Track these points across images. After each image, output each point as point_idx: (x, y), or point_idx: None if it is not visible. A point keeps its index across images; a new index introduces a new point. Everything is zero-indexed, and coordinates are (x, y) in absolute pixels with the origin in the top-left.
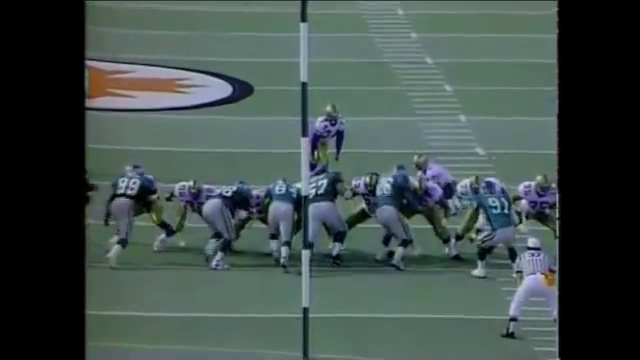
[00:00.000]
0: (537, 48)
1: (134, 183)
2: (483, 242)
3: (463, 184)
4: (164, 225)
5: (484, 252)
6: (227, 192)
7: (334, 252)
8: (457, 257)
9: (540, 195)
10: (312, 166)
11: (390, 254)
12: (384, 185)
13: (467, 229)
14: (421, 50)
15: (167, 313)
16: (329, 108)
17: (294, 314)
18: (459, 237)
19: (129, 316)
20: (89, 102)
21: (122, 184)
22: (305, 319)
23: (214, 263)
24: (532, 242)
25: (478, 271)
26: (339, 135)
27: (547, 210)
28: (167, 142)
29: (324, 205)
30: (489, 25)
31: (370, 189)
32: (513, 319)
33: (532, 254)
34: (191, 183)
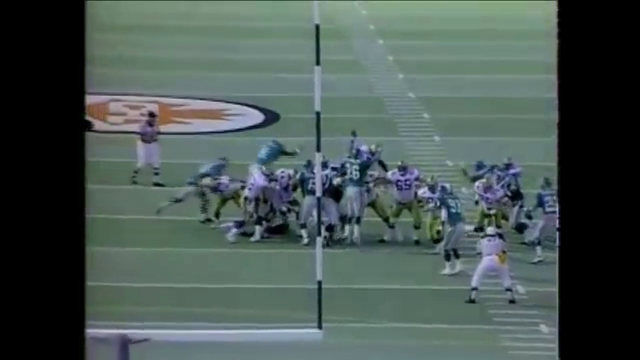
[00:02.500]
0: (502, 84)
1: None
2: (447, 243)
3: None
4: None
5: (448, 255)
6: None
7: (357, 234)
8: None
9: (485, 192)
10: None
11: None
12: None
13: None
14: (406, 88)
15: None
16: (372, 147)
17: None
18: (417, 227)
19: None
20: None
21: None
22: (319, 289)
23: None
24: (489, 230)
25: (447, 270)
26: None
27: (492, 204)
28: (214, 157)
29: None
30: (459, 67)
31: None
32: (474, 289)
33: (489, 240)
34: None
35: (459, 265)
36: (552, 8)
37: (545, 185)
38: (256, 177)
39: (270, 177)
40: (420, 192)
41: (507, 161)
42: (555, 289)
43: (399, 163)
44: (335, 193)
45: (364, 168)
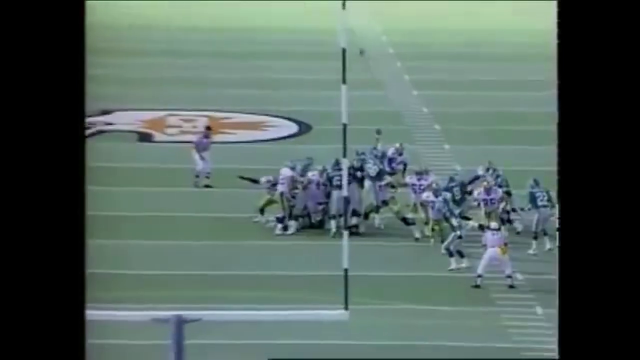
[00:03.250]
0: (502, 100)
1: None
2: (448, 243)
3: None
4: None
5: (451, 252)
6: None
7: (379, 221)
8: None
9: (487, 194)
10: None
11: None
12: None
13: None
14: (420, 103)
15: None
16: (397, 145)
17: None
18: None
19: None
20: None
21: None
22: (345, 276)
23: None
24: (493, 225)
25: (453, 265)
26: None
27: (494, 204)
28: (256, 162)
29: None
30: (465, 85)
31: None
32: (479, 276)
33: (493, 233)
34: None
35: (465, 262)
36: (551, 36)
37: (534, 184)
38: (282, 171)
39: (294, 169)
40: (424, 195)
41: (488, 165)
42: (549, 276)
43: (416, 169)
44: (360, 180)
45: (380, 170)
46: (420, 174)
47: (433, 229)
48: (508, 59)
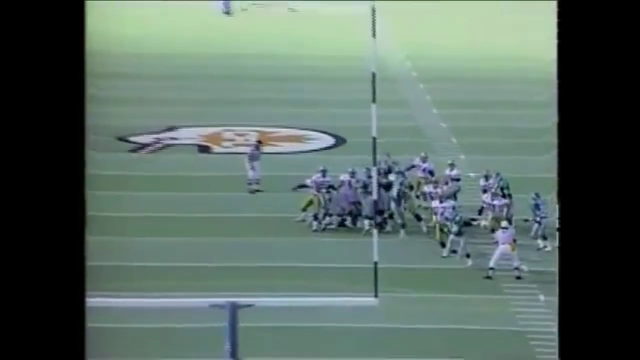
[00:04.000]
0: (510, 117)
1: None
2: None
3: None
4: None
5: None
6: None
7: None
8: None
9: (492, 200)
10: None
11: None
12: None
13: None
14: (439, 119)
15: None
16: (422, 154)
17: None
18: None
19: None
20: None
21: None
22: (375, 268)
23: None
24: (504, 223)
25: (469, 262)
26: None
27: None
28: (298, 170)
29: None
30: (479, 104)
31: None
32: (491, 268)
33: (504, 231)
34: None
35: (470, 262)
36: (552, 66)
37: (536, 197)
38: (313, 177)
39: (324, 173)
40: (433, 204)
41: (486, 173)
42: (550, 268)
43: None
44: (386, 186)
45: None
46: (436, 182)
47: (442, 231)
48: (514, 81)
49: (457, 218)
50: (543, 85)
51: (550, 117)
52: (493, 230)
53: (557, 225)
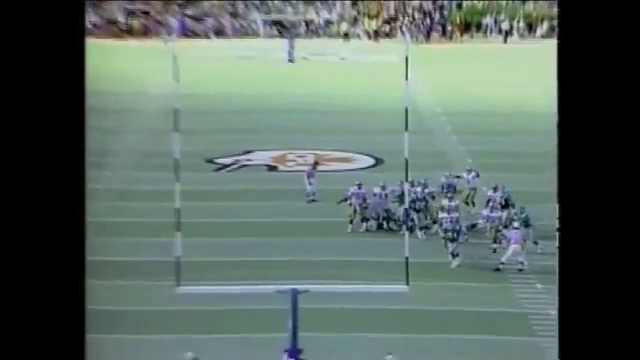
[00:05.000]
0: (516, 142)
1: None
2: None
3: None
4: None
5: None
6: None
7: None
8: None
9: (490, 212)
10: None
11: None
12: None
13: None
14: (457, 144)
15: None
16: (447, 173)
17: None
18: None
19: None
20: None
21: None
22: (407, 262)
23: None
24: (514, 224)
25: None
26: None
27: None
28: (345, 184)
29: None
30: (490, 132)
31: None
32: (502, 263)
33: (515, 232)
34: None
35: (456, 262)
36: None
37: (522, 209)
38: (350, 189)
39: (359, 186)
40: (441, 214)
41: (495, 185)
42: (543, 263)
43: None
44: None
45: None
46: (451, 198)
47: (444, 238)
48: (519, 114)
49: (457, 227)
50: (543, 118)
51: (546, 140)
52: (495, 240)
53: (556, 226)
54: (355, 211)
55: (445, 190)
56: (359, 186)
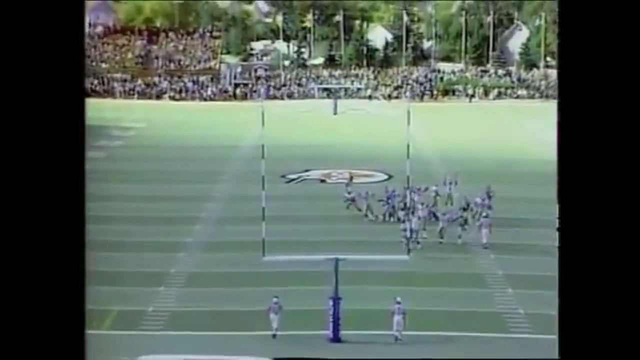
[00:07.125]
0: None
1: None
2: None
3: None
4: None
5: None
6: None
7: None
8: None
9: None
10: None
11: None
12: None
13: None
14: (444, 166)
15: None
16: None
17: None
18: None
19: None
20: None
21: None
22: (407, 241)
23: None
24: (484, 214)
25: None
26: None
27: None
28: (372, 190)
29: None
30: (487, 167)
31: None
32: (485, 244)
33: (485, 220)
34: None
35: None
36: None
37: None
38: (362, 194)
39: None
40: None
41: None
42: (495, 241)
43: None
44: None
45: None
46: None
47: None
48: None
49: (433, 217)
50: (545, 155)
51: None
52: (466, 222)
53: (557, 225)
54: (367, 209)
55: (435, 195)
56: (367, 193)
